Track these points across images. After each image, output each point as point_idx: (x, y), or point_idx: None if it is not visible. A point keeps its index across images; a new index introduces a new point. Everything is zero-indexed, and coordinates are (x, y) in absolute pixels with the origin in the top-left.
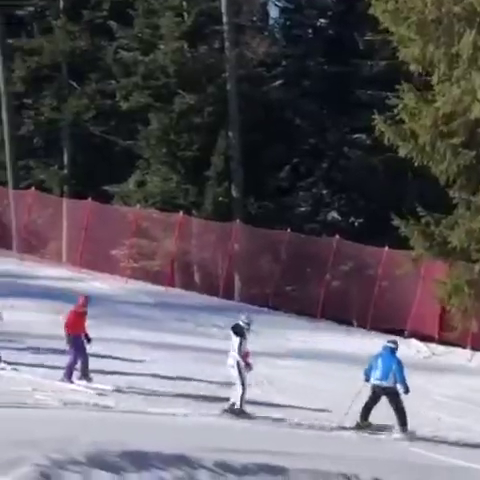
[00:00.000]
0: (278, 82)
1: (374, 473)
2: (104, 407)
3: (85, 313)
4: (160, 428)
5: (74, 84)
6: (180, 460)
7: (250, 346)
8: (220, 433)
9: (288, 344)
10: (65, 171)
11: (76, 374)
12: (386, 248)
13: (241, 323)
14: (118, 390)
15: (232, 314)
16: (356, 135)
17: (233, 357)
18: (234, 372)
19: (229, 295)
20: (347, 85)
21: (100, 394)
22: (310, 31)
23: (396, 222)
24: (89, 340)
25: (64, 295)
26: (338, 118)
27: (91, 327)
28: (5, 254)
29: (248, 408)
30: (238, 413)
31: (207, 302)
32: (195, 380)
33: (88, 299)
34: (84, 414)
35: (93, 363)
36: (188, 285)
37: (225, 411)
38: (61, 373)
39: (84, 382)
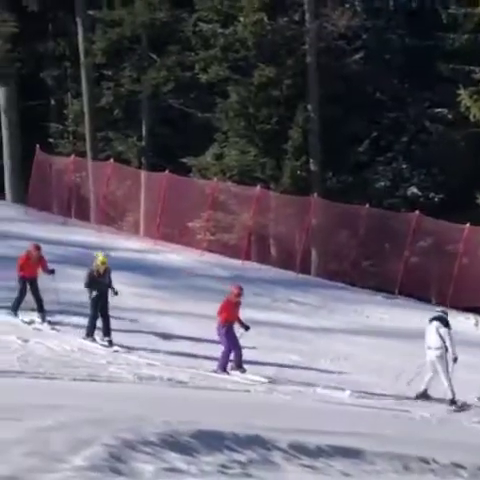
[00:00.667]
0: (358, 55)
1: (452, 457)
2: (178, 382)
3: (239, 303)
4: (235, 406)
5: (154, 56)
6: (254, 441)
7: (326, 322)
8: (295, 413)
9: (365, 321)
10: (143, 143)
11: (230, 365)
12: (468, 225)
13: (443, 314)
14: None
15: (308, 289)
16: (437, 109)
17: (441, 349)
18: (440, 364)
19: (306, 270)
20: (429, 59)
21: (176, 370)
22: (391, 3)
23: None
24: (247, 328)
25: (141, 267)
26: (419, 92)
27: (166, 300)
28: (83, 225)
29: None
30: (460, 406)
31: (283, 276)
32: (270, 356)
33: (242, 289)
34: (158, 390)
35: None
36: (264, 259)
37: (417, 397)
38: (136, 346)
39: (238, 373)
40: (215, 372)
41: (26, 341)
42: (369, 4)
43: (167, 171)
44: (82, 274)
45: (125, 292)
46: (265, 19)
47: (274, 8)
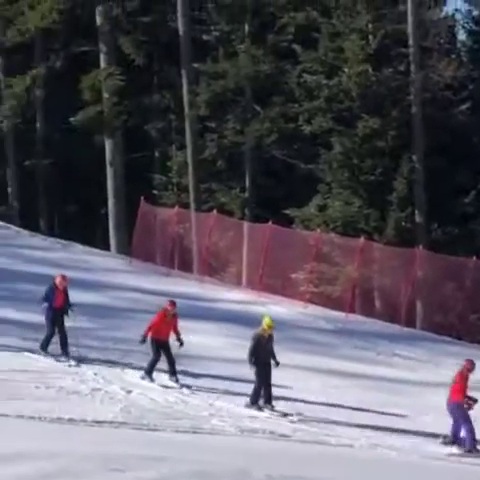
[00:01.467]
0: (464, 106)
1: None
2: (281, 436)
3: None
4: (338, 461)
5: (257, 108)
6: None
7: (432, 376)
8: (401, 470)
9: (473, 376)
10: (246, 194)
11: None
12: None
13: None
14: (299, 418)
15: (414, 342)
16: None
17: None
18: None
19: (411, 323)
20: None
21: (278, 422)
22: None
23: None
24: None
25: (243, 319)
26: None
27: None
28: (186, 276)
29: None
30: None
31: (388, 329)
32: (374, 410)
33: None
34: (260, 443)
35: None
36: (369, 312)
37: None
38: (237, 398)
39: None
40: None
41: (129, 392)
42: (475, 54)
43: (270, 222)
44: (187, 325)
45: (228, 344)
46: (370, 70)
47: (379, 59)
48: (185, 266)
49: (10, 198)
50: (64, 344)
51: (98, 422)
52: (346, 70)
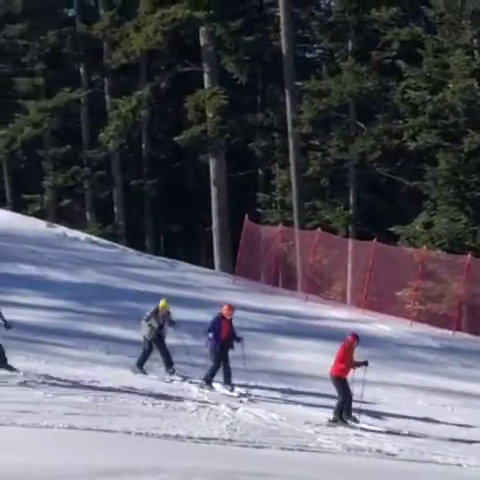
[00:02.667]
0: None
1: None
2: (387, 454)
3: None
4: (444, 479)
5: (361, 124)
6: None
7: None
8: None
9: None
10: (351, 211)
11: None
12: None
13: None
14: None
15: None
16: None
17: None
18: None
19: None
20: None
21: (384, 440)
22: None
23: None
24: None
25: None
26: None
27: (374, 369)
28: (290, 294)
29: None
30: None
31: None
32: None
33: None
34: (366, 461)
35: (372, 406)
36: (476, 329)
37: None
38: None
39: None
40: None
41: (234, 409)
42: None
43: (375, 240)
44: (290, 343)
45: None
46: (475, 85)
47: None
48: (289, 284)
49: (116, 217)
50: (227, 375)
51: (204, 439)
52: (451, 85)
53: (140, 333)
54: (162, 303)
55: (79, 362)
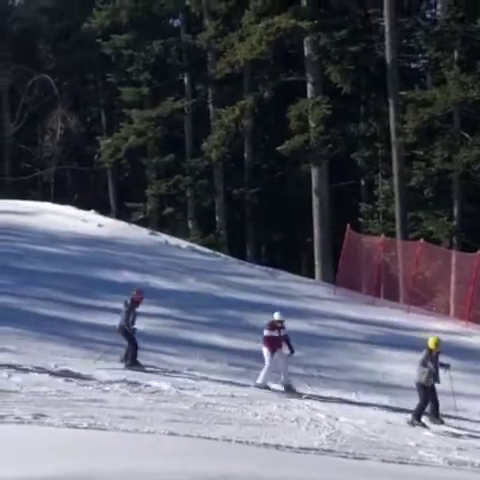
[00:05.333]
0: None
1: None
2: None
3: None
4: None
5: (466, 134)
6: None
7: None
8: None
9: None
10: (454, 223)
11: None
12: None
13: None
14: None
15: None
16: None
17: None
18: None
19: None
20: None
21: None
22: None
23: None
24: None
25: (451, 350)
26: None
27: (472, 382)
28: (392, 306)
29: None
30: None
31: None
32: None
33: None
34: (469, 476)
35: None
36: None
37: None
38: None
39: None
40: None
41: (335, 420)
42: None
43: (479, 252)
44: (391, 354)
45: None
46: None
47: None
48: (391, 295)
49: (218, 226)
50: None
51: (304, 449)
52: None
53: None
54: (432, 343)
55: (180, 369)
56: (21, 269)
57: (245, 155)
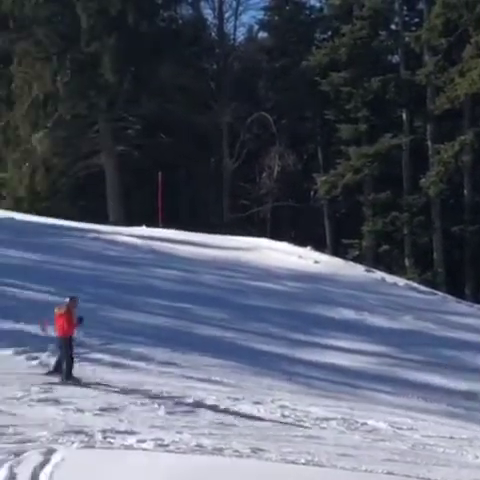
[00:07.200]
0: None
1: None
2: None
3: None
4: None
5: None
6: None
7: None
8: None
9: None
10: None
11: None
12: None
13: None
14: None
15: None
16: None
17: None
18: None
19: None
20: None
21: None
22: None
23: None
24: None
25: None
26: None
27: None
28: None
29: None
30: None
31: None
32: None
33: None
34: None
35: None
36: None
37: None
38: None
39: None
40: None
41: None
42: None
43: None
44: None
45: None
46: None
47: None
48: None
49: (436, 264)
50: None
51: None
52: None
53: None
54: None
55: (395, 409)
56: (238, 304)
57: (465, 192)
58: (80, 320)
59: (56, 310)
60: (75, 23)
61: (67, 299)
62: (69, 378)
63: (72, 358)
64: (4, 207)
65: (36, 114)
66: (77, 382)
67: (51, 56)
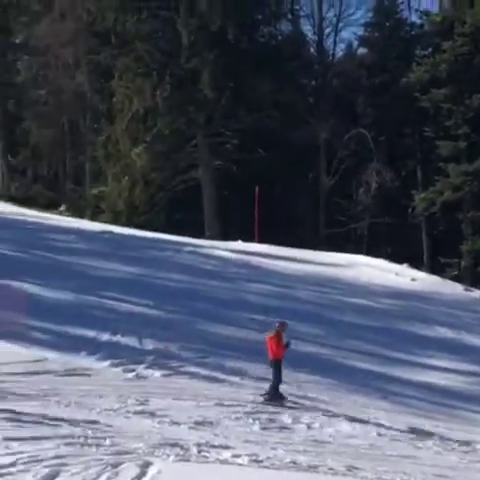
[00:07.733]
0: None
1: None
2: None
3: None
4: None
5: None
6: None
7: None
8: None
9: None
10: None
11: None
12: None
13: None
14: None
15: None
16: None
17: None
18: None
19: None
20: None
21: None
22: None
23: None
24: None
25: None
26: None
27: None
28: None
29: None
30: None
31: None
32: None
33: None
34: None
35: None
36: None
37: None
38: None
39: None
40: None
41: None
42: None
43: None
44: None
45: None
46: None
47: None
48: None
49: None
50: None
51: None
52: None
53: None
54: None
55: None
56: (334, 320)
57: None
58: (287, 345)
59: (267, 334)
60: (176, 39)
61: (277, 323)
62: (272, 399)
63: (280, 381)
64: (103, 220)
65: (136, 129)
66: (279, 403)
67: (151, 71)
